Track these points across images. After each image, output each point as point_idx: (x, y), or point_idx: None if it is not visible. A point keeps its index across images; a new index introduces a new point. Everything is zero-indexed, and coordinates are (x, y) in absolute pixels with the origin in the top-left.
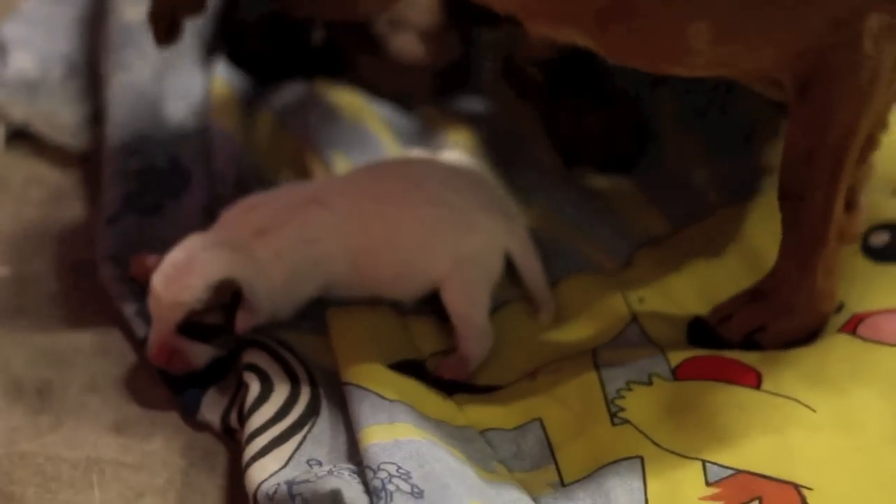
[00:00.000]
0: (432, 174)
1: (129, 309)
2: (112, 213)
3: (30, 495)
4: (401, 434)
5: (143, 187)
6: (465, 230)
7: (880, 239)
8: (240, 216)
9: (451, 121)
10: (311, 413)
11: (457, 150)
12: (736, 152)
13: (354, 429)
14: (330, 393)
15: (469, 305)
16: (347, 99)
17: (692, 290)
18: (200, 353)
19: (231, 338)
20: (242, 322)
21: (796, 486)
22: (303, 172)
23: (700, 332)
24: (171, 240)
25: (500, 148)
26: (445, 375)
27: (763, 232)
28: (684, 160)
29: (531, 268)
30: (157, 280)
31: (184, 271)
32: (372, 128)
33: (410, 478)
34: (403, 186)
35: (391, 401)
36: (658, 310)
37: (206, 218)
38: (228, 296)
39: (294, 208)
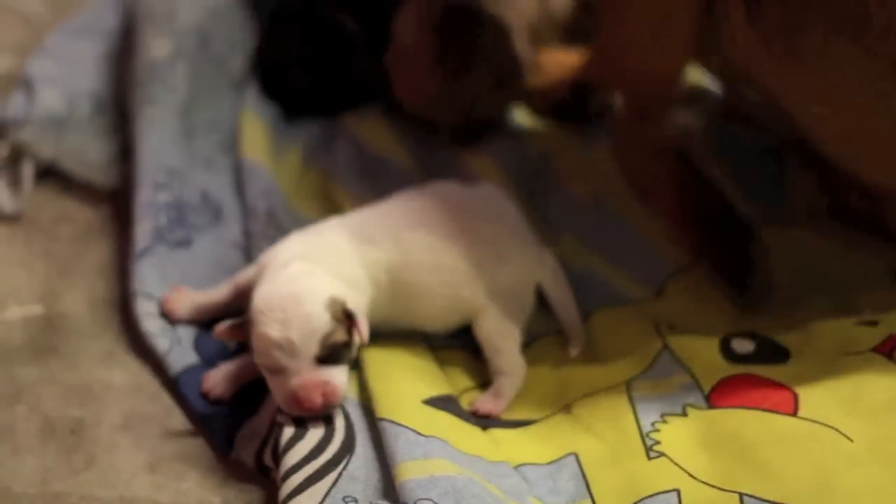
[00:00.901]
0: (464, 205)
1: (162, 345)
2: (142, 248)
3: None
4: (437, 470)
5: (173, 221)
6: (499, 262)
7: None
8: (305, 246)
9: (479, 153)
10: (346, 451)
11: (485, 183)
12: (764, 177)
13: (390, 464)
14: (364, 429)
15: (502, 339)
16: (373, 132)
17: (721, 311)
18: (344, 377)
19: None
20: (365, 329)
21: None
22: (331, 207)
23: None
24: (203, 274)
25: (528, 180)
26: (481, 411)
27: (787, 253)
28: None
29: (562, 299)
30: (274, 329)
31: (296, 305)
32: (399, 160)
33: None
34: (439, 218)
35: (426, 437)
36: (689, 333)
37: (239, 253)
38: (341, 313)
39: (353, 245)
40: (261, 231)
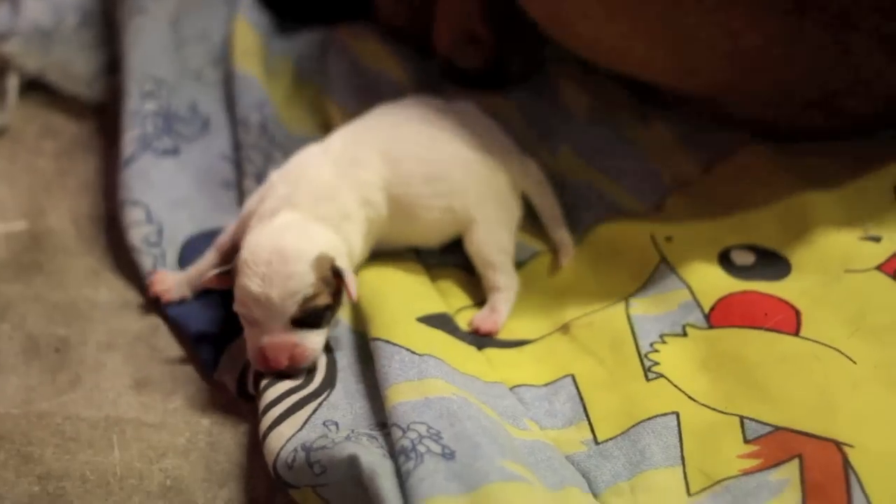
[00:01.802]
0: (445, 116)
1: (147, 263)
2: (128, 155)
3: (48, 456)
4: (431, 391)
5: (161, 130)
6: (485, 168)
7: None
8: (289, 188)
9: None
10: (327, 385)
11: (463, 100)
12: None
13: (381, 386)
14: (348, 365)
15: (495, 252)
16: (367, 45)
17: (721, 224)
18: (319, 341)
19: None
20: (354, 288)
21: (837, 444)
22: (323, 121)
23: None
24: (190, 183)
25: (525, 95)
26: (481, 329)
27: (790, 168)
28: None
29: (549, 208)
30: (254, 283)
31: (280, 262)
32: (391, 75)
33: (441, 438)
34: (422, 129)
35: (421, 355)
36: (687, 245)
37: (227, 165)
38: (329, 271)
39: (340, 172)
40: (252, 143)
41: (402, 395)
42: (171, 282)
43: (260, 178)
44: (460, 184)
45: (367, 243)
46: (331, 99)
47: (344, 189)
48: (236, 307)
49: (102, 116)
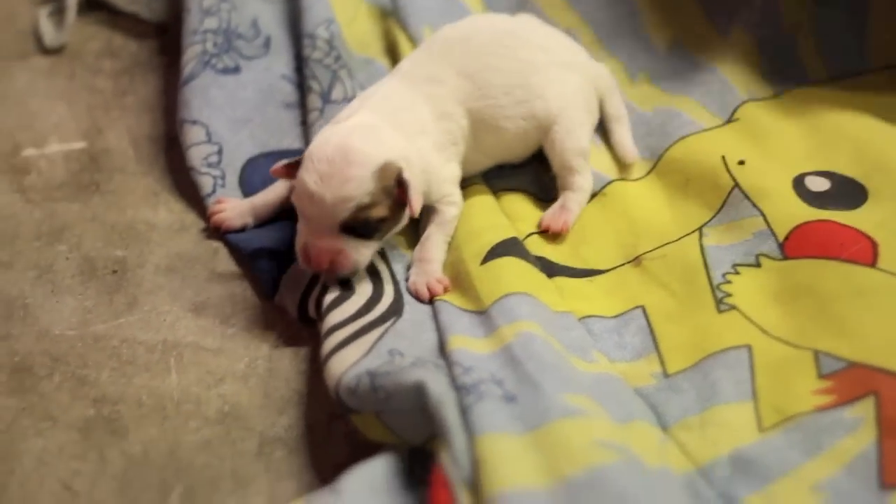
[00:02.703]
0: (513, 26)
1: (206, 184)
2: (188, 74)
3: (104, 379)
4: (495, 344)
5: (221, 48)
6: (564, 69)
7: None
8: (363, 101)
9: None
10: (393, 313)
11: (530, 15)
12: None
13: (443, 332)
14: (413, 300)
15: (575, 153)
16: None
17: (795, 147)
18: (366, 253)
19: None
20: (417, 203)
21: None
22: (388, 45)
23: None
24: (250, 102)
25: (602, 25)
26: (552, 227)
27: (865, 105)
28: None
29: (616, 109)
30: (312, 179)
31: (343, 163)
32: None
33: (503, 384)
34: (497, 40)
35: (486, 311)
36: (760, 170)
37: (288, 85)
38: (393, 182)
39: (415, 88)
40: (319, 58)
41: (465, 344)
42: (232, 210)
43: (325, 97)
44: (539, 88)
45: (448, 159)
46: (399, 23)
47: (419, 102)
48: (293, 198)
49: (162, 36)
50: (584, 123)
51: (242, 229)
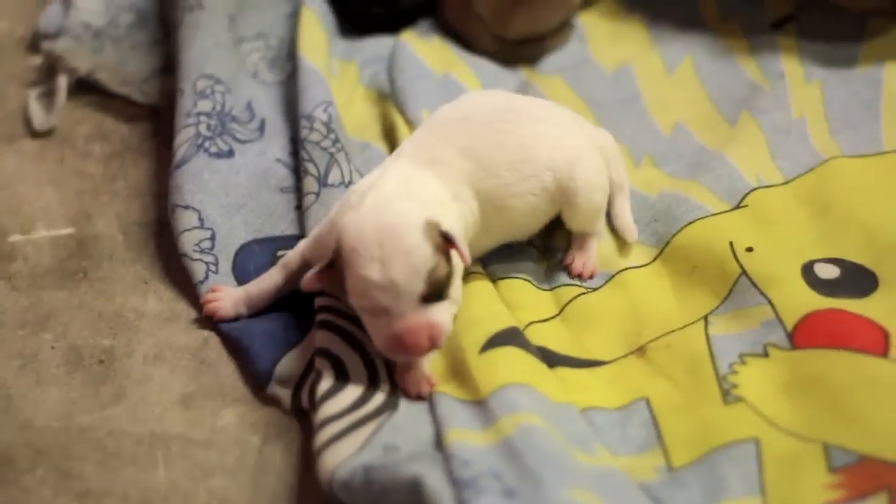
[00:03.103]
0: (516, 101)
1: (199, 272)
2: (181, 157)
3: (89, 472)
4: (494, 437)
5: (215, 131)
6: (570, 137)
7: None
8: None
9: (549, 74)
10: (389, 405)
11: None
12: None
13: (440, 426)
14: None
15: (594, 219)
16: (436, 50)
17: (804, 234)
18: (450, 313)
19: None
20: (466, 251)
21: None
22: (386, 130)
23: None
24: (245, 187)
25: (603, 107)
26: (583, 273)
27: (877, 184)
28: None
29: (619, 179)
30: (373, 270)
31: (394, 239)
32: (462, 79)
33: (502, 477)
34: (499, 116)
35: (484, 399)
36: (768, 257)
37: (283, 169)
38: (439, 237)
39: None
40: (317, 140)
41: (463, 437)
42: (226, 298)
43: (322, 180)
44: (547, 160)
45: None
46: (397, 106)
47: (432, 181)
48: (355, 300)
49: (155, 119)
50: (601, 187)
51: (236, 319)
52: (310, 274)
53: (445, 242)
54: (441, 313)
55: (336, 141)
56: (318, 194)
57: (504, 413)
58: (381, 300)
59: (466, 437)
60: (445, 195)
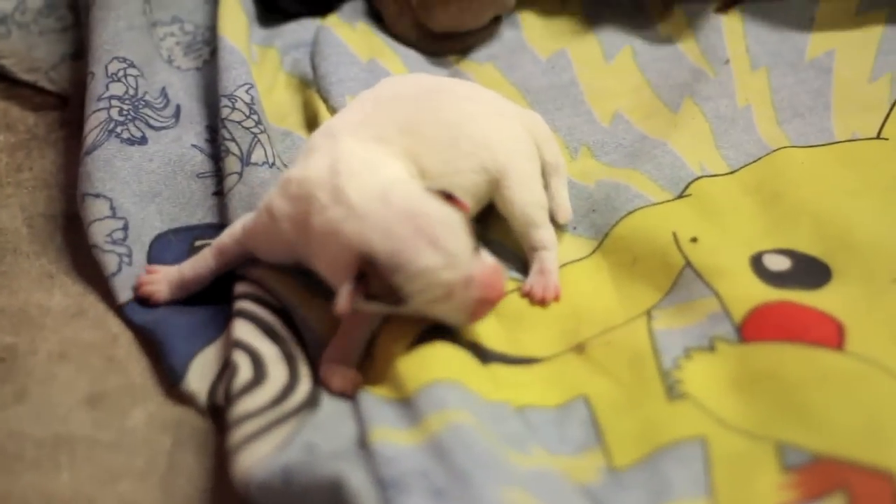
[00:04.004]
0: (448, 83)
1: (111, 264)
2: (90, 144)
3: None
4: (421, 435)
5: (127, 116)
6: (506, 122)
7: None
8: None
9: (481, 62)
10: (311, 402)
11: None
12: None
13: (364, 425)
14: None
15: (534, 204)
16: (360, 35)
17: (752, 225)
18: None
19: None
20: (466, 203)
21: (890, 476)
22: (308, 118)
23: None
24: (158, 174)
25: (538, 95)
26: (545, 297)
27: (828, 175)
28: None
29: (553, 159)
30: (428, 257)
31: (422, 217)
32: (388, 66)
33: (430, 476)
34: (434, 96)
35: (409, 398)
36: (714, 248)
37: (199, 155)
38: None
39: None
40: (239, 120)
41: (388, 436)
42: (162, 281)
43: (245, 159)
44: (481, 138)
45: None
46: (321, 93)
47: (389, 159)
48: (419, 298)
49: (63, 108)
50: (534, 174)
51: (168, 303)
52: (343, 299)
53: (448, 199)
54: (489, 257)
55: (259, 122)
56: (240, 174)
57: (432, 410)
58: (448, 279)
59: (391, 436)
60: (405, 174)
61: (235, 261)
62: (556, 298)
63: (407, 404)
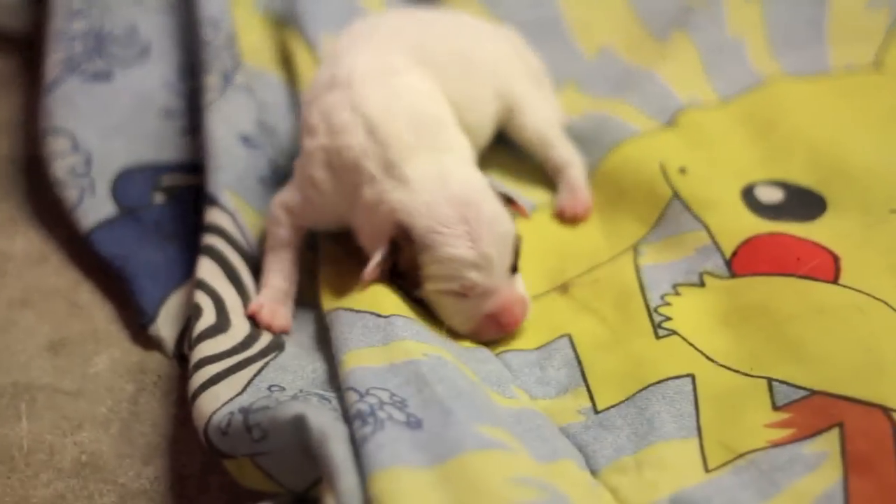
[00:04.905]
0: (441, 15)
1: (71, 196)
2: (52, 79)
3: None
4: (398, 356)
5: (91, 51)
6: (496, 41)
7: None
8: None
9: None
10: (275, 347)
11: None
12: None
13: (337, 352)
14: (298, 329)
15: (550, 123)
16: None
17: (744, 154)
18: (522, 284)
19: None
20: (527, 209)
21: (885, 410)
22: (283, 57)
23: None
24: (124, 112)
25: (521, 29)
26: (569, 212)
27: (823, 105)
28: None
29: (534, 63)
30: (461, 247)
31: (474, 208)
32: (367, 2)
33: (406, 406)
34: (423, 23)
35: (387, 316)
36: (704, 179)
37: (169, 93)
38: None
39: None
40: (221, 45)
41: (362, 360)
42: (276, 311)
43: (228, 78)
44: (493, 64)
45: None
46: (298, 29)
47: (433, 92)
48: (438, 284)
49: (27, 51)
50: (537, 93)
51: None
52: (371, 267)
53: (507, 203)
54: (521, 286)
55: (236, 57)
56: (222, 90)
57: (409, 336)
58: (472, 279)
59: (365, 358)
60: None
61: (303, 238)
62: (589, 213)
63: (382, 319)
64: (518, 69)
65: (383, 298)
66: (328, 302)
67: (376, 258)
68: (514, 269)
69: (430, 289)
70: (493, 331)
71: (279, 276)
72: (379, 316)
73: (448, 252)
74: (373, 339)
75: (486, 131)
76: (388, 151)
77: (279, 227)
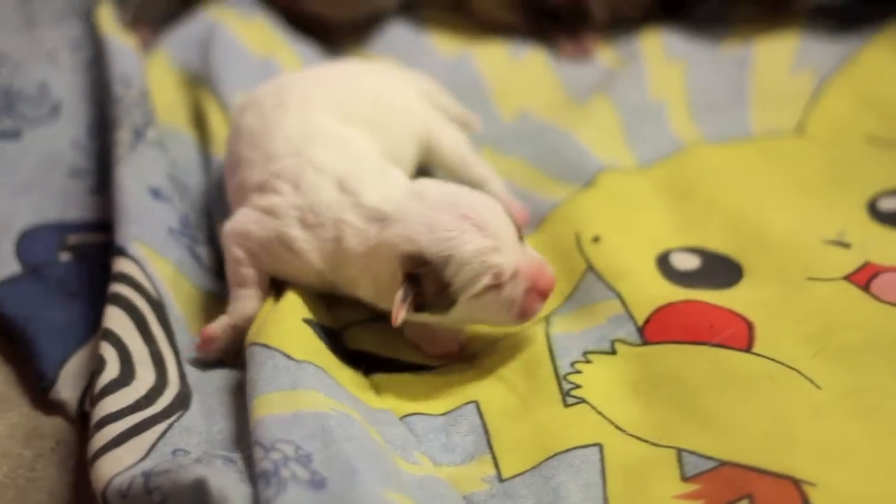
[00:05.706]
0: (329, 64)
1: None
2: None
3: None
4: (305, 404)
5: (0, 110)
6: (397, 79)
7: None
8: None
9: (382, 56)
10: (180, 406)
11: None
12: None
13: (248, 398)
14: (204, 382)
15: (457, 140)
16: (258, 32)
17: (659, 221)
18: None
19: None
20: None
21: (796, 482)
22: (196, 116)
23: None
24: (33, 171)
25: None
26: (518, 218)
27: (742, 170)
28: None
29: (450, 103)
30: (477, 241)
31: (465, 205)
32: (282, 61)
33: (311, 462)
34: (329, 76)
35: (298, 361)
36: (618, 247)
37: (79, 153)
38: None
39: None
40: (135, 101)
41: (270, 407)
42: (223, 336)
43: (140, 133)
44: (406, 104)
45: None
46: (211, 92)
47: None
48: (477, 285)
49: None
50: (443, 118)
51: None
52: (398, 308)
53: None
54: (533, 251)
55: (149, 115)
56: (133, 146)
57: (319, 388)
58: (499, 263)
59: (273, 405)
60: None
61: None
62: (526, 220)
63: (293, 362)
64: (422, 103)
65: (297, 339)
66: (251, 334)
67: (399, 298)
68: (520, 238)
69: (465, 298)
70: (538, 302)
71: (238, 314)
72: (290, 358)
73: (468, 249)
74: (282, 381)
75: (408, 172)
76: (362, 199)
77: (242, 267)
